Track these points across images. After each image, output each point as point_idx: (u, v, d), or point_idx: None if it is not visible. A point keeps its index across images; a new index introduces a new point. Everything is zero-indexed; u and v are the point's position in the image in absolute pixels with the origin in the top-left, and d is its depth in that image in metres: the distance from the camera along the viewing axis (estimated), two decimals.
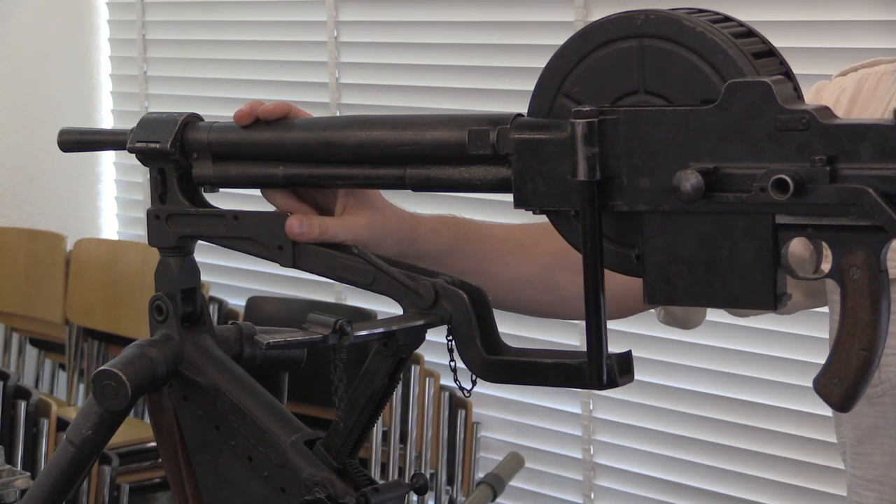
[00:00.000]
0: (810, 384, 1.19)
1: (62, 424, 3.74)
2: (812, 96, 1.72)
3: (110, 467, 3.72)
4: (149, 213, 1.40)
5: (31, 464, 3.71)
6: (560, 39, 1.24)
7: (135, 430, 4.07)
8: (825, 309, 1.65)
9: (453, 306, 1.27)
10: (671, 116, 1.17)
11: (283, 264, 1.36)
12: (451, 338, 1.28)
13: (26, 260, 4.98)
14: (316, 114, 1.37)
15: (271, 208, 1.39)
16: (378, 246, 1.38)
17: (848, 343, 1.15)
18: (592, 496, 3.92)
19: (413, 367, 3.98)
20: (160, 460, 1.70)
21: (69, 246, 4.92)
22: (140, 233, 5.10)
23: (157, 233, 1.40)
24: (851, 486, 1.72)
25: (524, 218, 1.34)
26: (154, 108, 4.95)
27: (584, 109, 1.17)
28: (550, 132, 1.21)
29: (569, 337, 3.86)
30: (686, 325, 1.72)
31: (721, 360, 3.60)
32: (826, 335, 1.73)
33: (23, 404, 3.78)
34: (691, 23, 1.17)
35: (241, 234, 1.37)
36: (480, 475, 3.48)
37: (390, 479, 3.90)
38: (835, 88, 1.70)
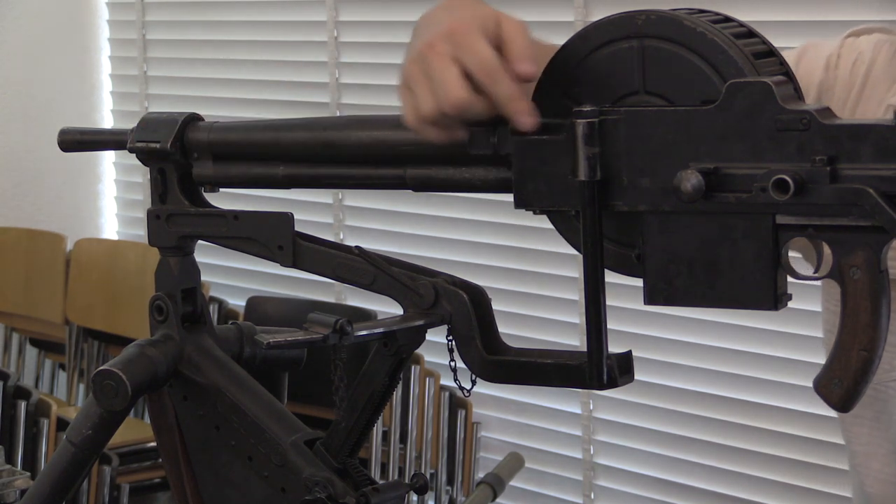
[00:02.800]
0: (810, 384, 1.19)
1: (62, 424, 3.74)
2: (838, 45, 1.64)
3: (110, 467, 3.72)
4: (149, 213, 1.41)
5: (31, 464, 3.71)
6: (560, 39, 1.24)
7: (135, 430, 4.07)
8: None
9: (453, 306, 1.27)
10: (672, 117, 1.17)
11: (283, 264, 1.36)
12: (451, 338, 1.28)
13: (26, 260, 4.98)
14: (316, 114, 1.37)
15: (271, 208, 1.39)
16: None
17: (848, 343, 1.15)
18: (592, 496, 3.92)
19: (413, 367, 3.98)
20: (160, 460, 1.70)
21: (69, 246, 4.91)
22: (140, 233, 5.10)
23: (157, 233, 1.40)
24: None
25: (524, 218, 1.34)
26: (154, 108, 4.95)
27: (585, 109, 1.18)
28: (551, 132, 1.21)
29: (569, 337, 3.86)
30: None
31: (721, 360, 3.60)
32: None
33: (23, 404, 3.78)
34: (692, 23, 1.17)
35: (241, 234, 1.37)
36: (480, 475, 3.48)
37: (390, 479, 3.90)
38: (851, 51, 1.64)
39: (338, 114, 4.40)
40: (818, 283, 1.24)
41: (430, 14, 1.22)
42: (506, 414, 4.10)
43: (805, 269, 1.19)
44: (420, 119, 1.19)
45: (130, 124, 1.45)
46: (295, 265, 1.35)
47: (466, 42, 1.16)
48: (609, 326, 1.21)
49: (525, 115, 1.17)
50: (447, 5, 1.20)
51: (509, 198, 1.24)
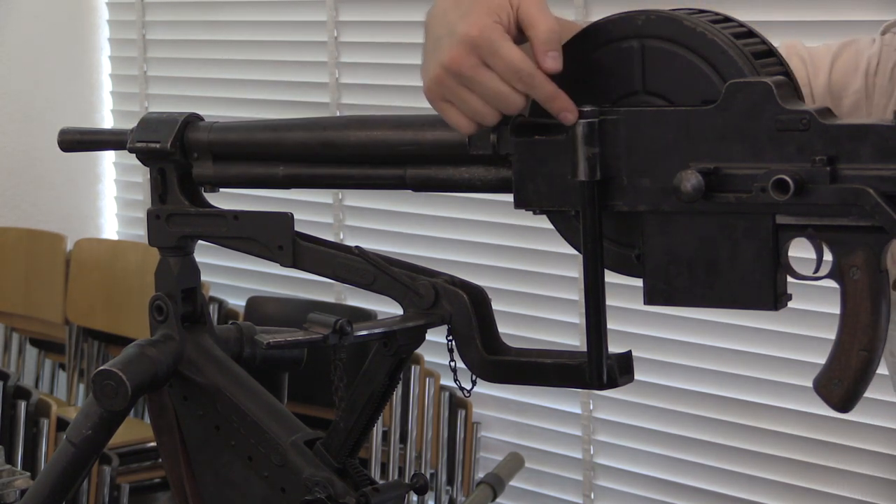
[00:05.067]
0: (810, 384, 1.19)
1: (62, 424, 3.74)
2: (878, 49, 1.58)
3: (110, 467, 3.72)
4: (149, 213, 1.41)
5: (31, 464, 3.71)
6: None
7: (135, 430, 4.07)
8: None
9: (453, 306, 1.27)
10: (672, 117, 1.17)
11: (283, 264, 1.36)
12: (451, 338, 1.28)
13: (26, 260, 4.97)
14: (316, 114, 1.37)
15: (271, 208, 1.39)
16: None
17: (848, 344, 1.15)
18: (592, 496, 3.92)
19: (413, 367, 3.98)
20: (160, 460, 1.70)
21: (69, 246, 4.91)
22: (140, 233, 5.10)
23: (158, 233, 1.40)
24: None
25: (524, 218, 1.33)
26: (154, 108, 4.95)
27: (585, 109, 1.18)
28: (551, 132, 1.21)
29: (569, 337, 3.86)
30: None
31: (721, 360, 3.60)
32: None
33: (23, 404, 3.77)
34: (692, 23, 1.17)
35: (241, 234, 1.37)
36: (480, 475, 3.48)
37: (390, 479, 3.90)
38: (890, 54, 1.58)
39: (338, 114, 4.40)
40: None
41: (438, 12, 1.21)
42: (506, 414, 4.10)
43: (805, 269, 1.19)
44: (477, 130, 1.21)
45: (130, 124, 1.45)
46: (295, 265, 1.35)
47: (492, 49, 1.17)
48: (609, 326, 1.21)
49: (567, 113, 1.18)
50: (455, 1, 1.20)
51: (509, 198, 1.24)
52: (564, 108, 1.18)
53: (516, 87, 1.17)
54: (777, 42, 1.25)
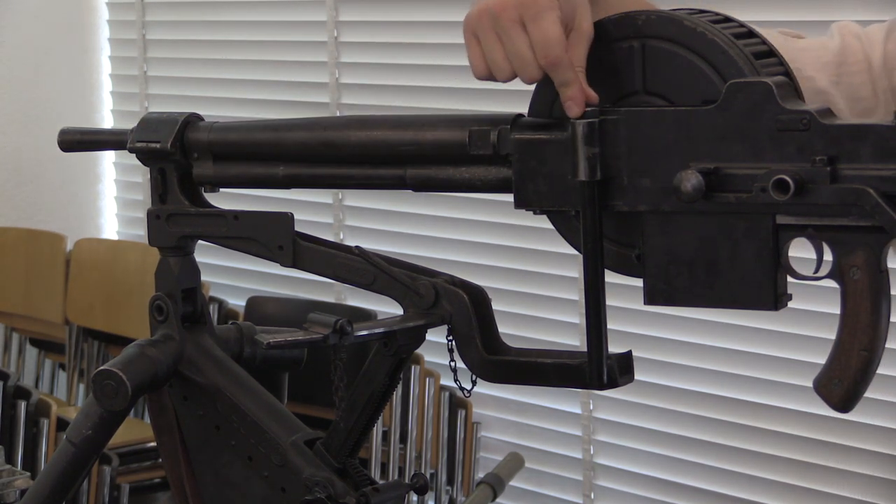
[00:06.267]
0: (810, 384, 1.19)
1: (62, 424, 3.74)
2: None
3: (110, 467, 3.72)
4: (149, 212, 1.41)
5: (31, 464, 3.71)
6: None
7: (135, 430, 4.07)
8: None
9: (453, 306, 1.27)
10: (672, 117, 1.17)
11: (283, 264, 1.36)
12: (451, 338, 1.28)
13: (26, 260, 4.97)
14: (316, 114, 1.37)
15: (271, 208, 1.39)
16: None
17: (848, 344, 1.15)
18: (592, 496, 3.92)
19: (413, 367, 3.98)
20: (160, 460, 1.70)
21: (69, 246, 4.91)
22: (140, 233, 5.10)
23: (158, 233, 1.40)
24: None
25: (524, 218, 1.33)
26: (154, 108, 4.95)
27: (585, 109, 1.18)
28: (551, 132, 1.21)
29: (569, 337, 3.86)
30: None
31: (721, 360, 3.60)
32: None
33: (23, 404, 3.77)
34: (692, 23, 1.17)
35: (241, 234, 1.37)
36: (480, 475, 3.48)
37: (390, 479, 3.90)
38: None
39: (338, 114, 4.40)
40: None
41: None
42: (506, 414, 4.10)
43: (805, 269, 1.19)
44: (488, 78, 1.22)
45: (130, 124, 1.45)
46: (295, 265, 1.35)
47: (536, 15, 1.18)
48: (609, 326, 1.21)
49: (573, 103, 1.19)
50: None
51: (509, 198, 1.24)
52: (574, 97, 1.18)
53: (539, 61, 1.18)
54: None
